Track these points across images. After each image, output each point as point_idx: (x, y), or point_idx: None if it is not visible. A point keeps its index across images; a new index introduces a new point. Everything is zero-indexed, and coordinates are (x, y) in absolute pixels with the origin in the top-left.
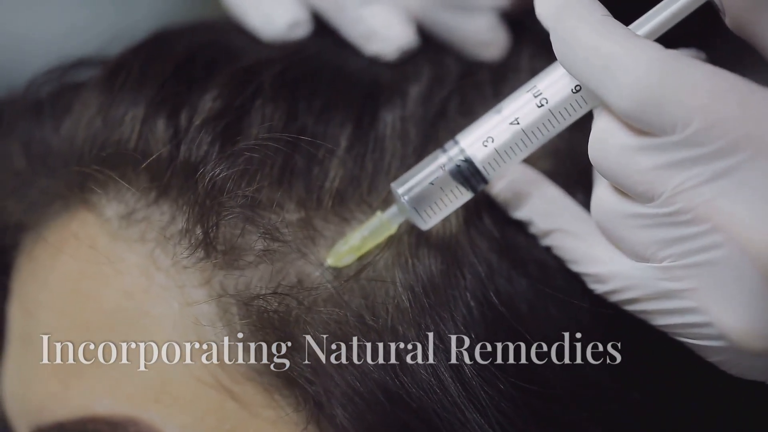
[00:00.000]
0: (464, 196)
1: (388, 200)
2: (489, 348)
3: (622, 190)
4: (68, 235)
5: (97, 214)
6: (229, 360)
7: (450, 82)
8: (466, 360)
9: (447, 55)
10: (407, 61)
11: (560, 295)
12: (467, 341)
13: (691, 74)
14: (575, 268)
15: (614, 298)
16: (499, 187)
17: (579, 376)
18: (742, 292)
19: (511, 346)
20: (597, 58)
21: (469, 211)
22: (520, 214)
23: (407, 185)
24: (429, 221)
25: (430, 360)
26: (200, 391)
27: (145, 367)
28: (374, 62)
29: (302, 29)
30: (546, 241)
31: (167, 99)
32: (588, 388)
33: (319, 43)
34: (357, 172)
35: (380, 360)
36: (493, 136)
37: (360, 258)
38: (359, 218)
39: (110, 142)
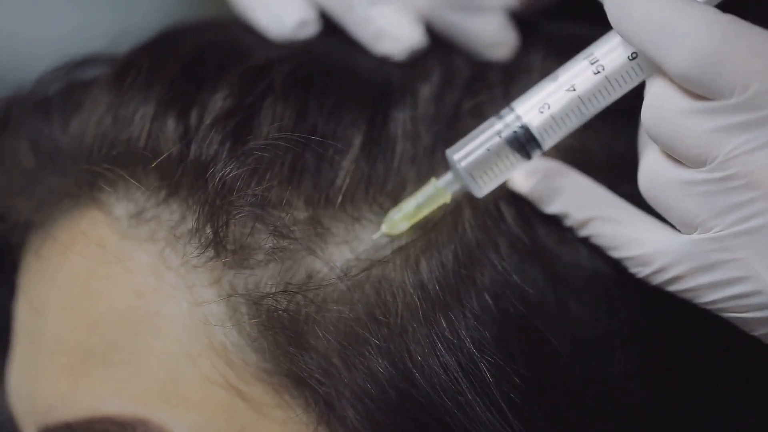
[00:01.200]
0: (519, 162)
1: (397, 200)
2: (503, 345)
3: (673, 157)
4: (77, 234)
5: (107, 212)
6: (239, 360)
7: (460, 83)
8: (480, 357)
9: (456, 55)
10: (417, 61)
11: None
12: (481, 338)
13: (751, 38)
14: (617, 254)
15: (660, 278)
16: (530, 184)
17: (595, 374)
18: None
19: (526, 344)
20: (654, 23)
21: (486, 207)
22: (554, 208)
23: (463, 151)
24: (484, 188)
25: (442, 358)
26: (209, 391)
27: (154, 367)
28: (384, 62)
29: (310, 29)
30: (584, 231)
31: (177, 97)
32: (604, 386)
33: (329, 43)
34: (367, 171)
35: (391, 359)
36: (550, 102)
37: (370, 256)
38: (369, 218)
39: (120, 141)
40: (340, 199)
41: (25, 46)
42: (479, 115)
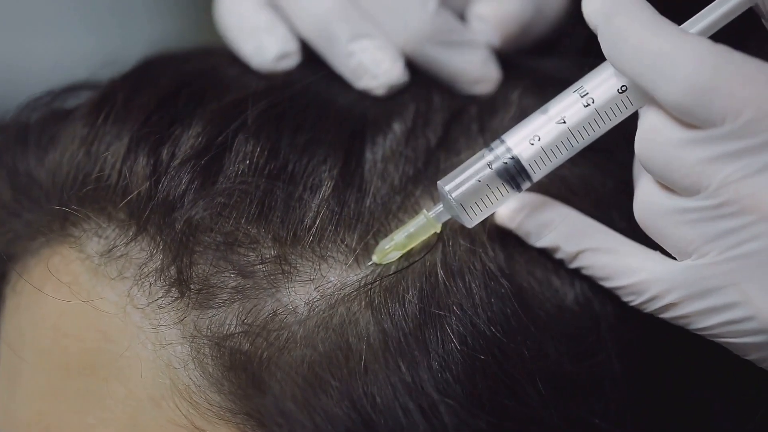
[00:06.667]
0: (509, 194)
1: (364, 238)
2: (468, 389)
3: (667, 186)
4: (52, 270)
5: (79, 249)
6: (202, 400)
7: (435, 119)
8: (441, 401)
9: (434, 91)
10: (394, 96)
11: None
12: (444, 383)
13: (742, 67)
14: (610, 284)
15: (653, 306)
16: (517, 220)
17: (577, 417)
18: None
19: (493, 388)
20: (647, 54)
21: (457, 248)
22: (543, 242)
23: (454, 183)
24: (474, 219)
25: (403, 402)
26: None
27: (120, 413)
28: (363, 97)
29: (291, 61)
30: (575, 264)
31: (150, 134)
32: (571, 424)
33: (309, 76)
34: (336, 209)
35: (350, 401)
36: (540, 134)
37: (336, 295)
38: (335, 257)
39: (91, 178)
40: (307, 237)
41: (27, 73)
42: (452, 153)
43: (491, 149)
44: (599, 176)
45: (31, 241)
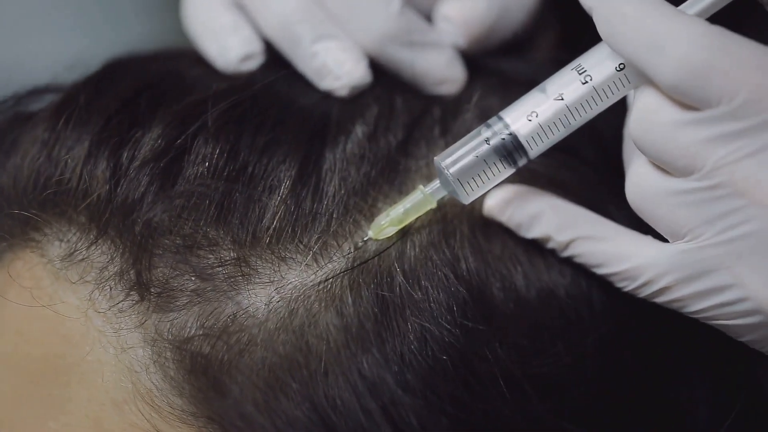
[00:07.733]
0: (506, 171)
1: (326, 245)
2: (429, 389)
3: (661, 168)
4: (13, 275)
5: (41, 254)
6: (164, 404)
7: (397, 122)
8: (403, 399)
9: (398, 93)
10: (357, 98)
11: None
12: (405, 382)
13: (739, 49)
14: (603, 270)
15: (647, 291)
16: (508, 212)
17: (527, 413)
18: None
19: (454, 387)
20: (643, 34)
21: (414, 249)
22: (534, 233)
23: (451, 158)
24: (471, 195)
25: (364, 402)
26: None
27: (82, 417)
28: (326, 97)
29: (255, 62)
30: (567, 252)
31: (110, 137)
32: (536, 423)
33: (273, 76)
34: (295, 211)
35: (311, 403)
36: (538, 111)
37: (296, 296)
38: (295, 258)
39: (52, 182)
40: (266, 238)
41: (23, 75)
42: (413, 156)
43: (489, 125)
44: (567, 174)
45: None
